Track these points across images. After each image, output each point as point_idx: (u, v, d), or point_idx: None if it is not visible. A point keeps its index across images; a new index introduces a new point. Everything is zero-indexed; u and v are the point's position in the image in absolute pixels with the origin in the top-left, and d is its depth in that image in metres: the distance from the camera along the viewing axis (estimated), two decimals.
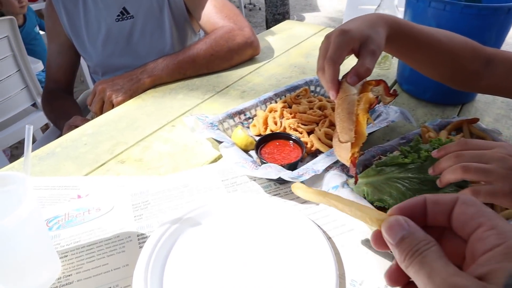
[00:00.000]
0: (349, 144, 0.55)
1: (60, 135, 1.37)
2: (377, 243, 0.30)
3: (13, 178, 0.52)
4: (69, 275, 0.57)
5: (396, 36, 0.64)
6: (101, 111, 1.05)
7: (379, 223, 0.29)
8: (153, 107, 0.98)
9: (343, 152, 0.57)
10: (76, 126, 1.10)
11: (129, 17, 1.19)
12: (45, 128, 2.28)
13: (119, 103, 1.02)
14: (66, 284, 0.56)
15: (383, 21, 0.62)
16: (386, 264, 0.57)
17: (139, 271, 0.53)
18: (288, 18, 3.62)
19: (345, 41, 0.57)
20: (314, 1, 5.72)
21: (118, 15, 1.18)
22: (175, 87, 1.07)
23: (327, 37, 0.61)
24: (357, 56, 0.59)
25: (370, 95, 0.56)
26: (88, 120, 1.03)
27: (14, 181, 0.52)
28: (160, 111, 0.96)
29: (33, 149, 1.21)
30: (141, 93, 1.06)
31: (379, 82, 0.58)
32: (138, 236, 0.63)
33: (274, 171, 0.63)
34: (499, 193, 0.46)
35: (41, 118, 2.03)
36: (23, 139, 0.50)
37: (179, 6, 1.22)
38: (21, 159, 0.82)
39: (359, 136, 0.56)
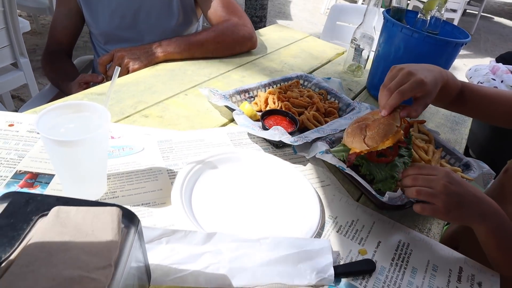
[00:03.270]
0: (363, 146, 0.74)
1: (57, 94, 1.47)
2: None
3: (89, 107, 0.66)
4: (115, 191, 0.73)
5: (460, 98, 0.88)
6: None
7: None
8: (166, 77, 1.14)
9: (356, 144, 0.74)
10: (87, 82, 1.23)
11: None
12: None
13: (134, 71, 1.16)
14: (113, 198, 0.71)
15: (442, 80, 0.80)
16: (352, 207, 0.78)
17: (176, 190, 0.71)
18: (265, 22, 3.86)
19: (419, 89, 0.73)
20: (287, 10, 6.01)
21: None
22: (184, 64, 1.23)
23: (401, 69, 0.76)
24: (415, 98, 0.76)
25: (402, 135, 0.74)
26: (97, 76, 1.17)
27: (88, 109, 0.66)
28: (172, 81, 1.13)
29: (28, 106, 1.33)
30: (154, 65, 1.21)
31: (409, 123, 0.80)
32: (167, 171, 0.79)
33: (278, 133, 0.83)
34: (438, 213, 0.68)
35: (20, 77, 2.06)
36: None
37: None
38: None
39: (372, 149, 0.73)
